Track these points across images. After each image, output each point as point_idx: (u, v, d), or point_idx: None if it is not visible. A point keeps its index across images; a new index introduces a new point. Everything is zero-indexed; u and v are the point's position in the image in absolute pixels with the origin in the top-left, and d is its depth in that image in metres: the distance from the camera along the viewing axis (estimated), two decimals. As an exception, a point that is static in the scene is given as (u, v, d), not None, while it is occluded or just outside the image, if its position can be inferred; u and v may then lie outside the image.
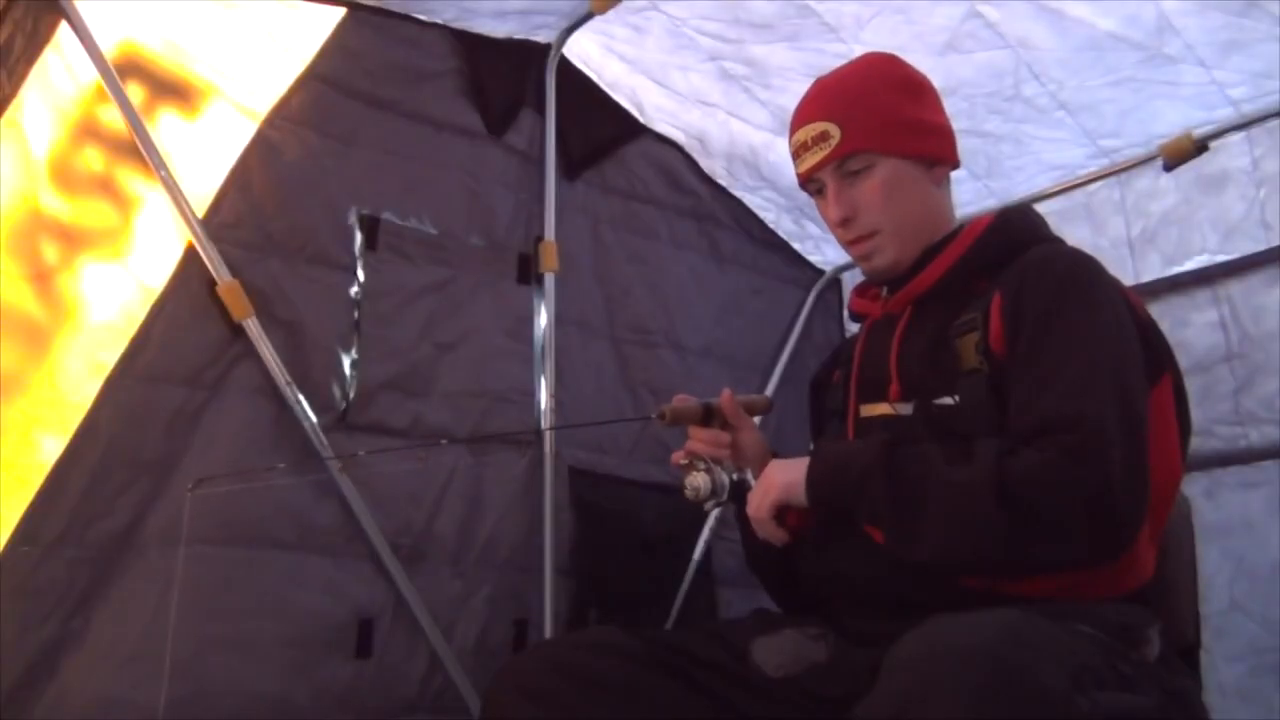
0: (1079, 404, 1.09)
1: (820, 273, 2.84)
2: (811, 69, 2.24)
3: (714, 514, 2.51)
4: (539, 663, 1.24)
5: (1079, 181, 2.31)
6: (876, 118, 1.35)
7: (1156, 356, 1.23)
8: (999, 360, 1.17)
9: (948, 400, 1.20)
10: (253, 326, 1.89)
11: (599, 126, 2.47)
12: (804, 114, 1.39)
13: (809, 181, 1.39)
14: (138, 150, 1.81)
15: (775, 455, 1.37)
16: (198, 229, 1.84)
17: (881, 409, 1.31)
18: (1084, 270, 1.24)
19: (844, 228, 1.36)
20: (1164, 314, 2.17)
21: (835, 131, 1.32)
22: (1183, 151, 2.10)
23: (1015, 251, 1.27)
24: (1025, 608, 0.95)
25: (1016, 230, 1.34)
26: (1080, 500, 1.05)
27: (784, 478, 1.25)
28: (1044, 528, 1.06)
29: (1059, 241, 1.36)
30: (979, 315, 1.21)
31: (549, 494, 2.26)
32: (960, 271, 1.29)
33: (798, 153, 1.38)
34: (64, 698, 1.64)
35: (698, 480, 1.34)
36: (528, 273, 2.33)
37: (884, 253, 1.34)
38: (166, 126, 1.87)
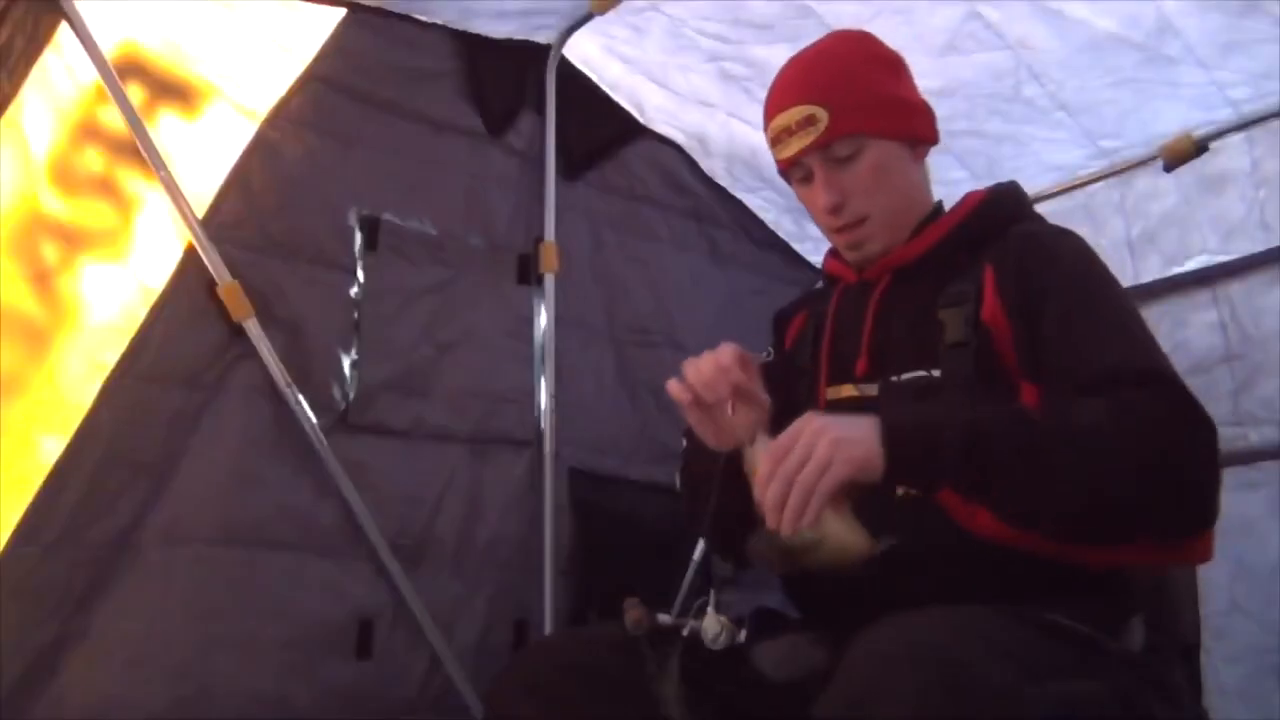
0: (1145, 357, 1.08)
1: (820, 273, 2.84)
2: (811, 69, 2.25)
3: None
4: (542, 659, 1.24)
5: (1079, 182, 2.31)
6: (863, 98, 1.30)
7: None
8: (990, 333, 1.16)
9: (924, 374, 1.19)
10: (253, 327, 1.89)
11: (599, 127, 2.47)
12: (785, 97, 1.32)
13: (794, 167, 1.33)
14: (138, 150, 1.81)
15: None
16: (198, 230, 1.84)
17: (847, 391, 1.28)
18: (1083, 244, 1.25)
19: (834, 214, 1.30)
20: (1164, 314, 2.18)
21: (822, 115, 1.26)
22: (1183, 152, 2.10)
23: (1002, 226, 1.26)
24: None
25: (1006, 206, 1.33)
26: (1195, 441, 0.99)
27: (850, 451, 0.95)
28: (1171, 470, 0.97)
29: (1042, 220, 1.36)
30: (970, 288, 1.19)
31: (549, 494, 2.26)
32: (949, 243, 1.28)
33: (779, 137, 1.31)
34: (64, 698, 1.64)
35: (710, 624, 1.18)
36: (528, 273, 2.34)
37: (875, 240, 1.31)
38: (166, 127, 1.87)
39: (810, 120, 1.27)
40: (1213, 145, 2.08)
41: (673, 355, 2.49)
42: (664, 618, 1.19)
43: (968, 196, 1.33)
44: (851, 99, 1.29)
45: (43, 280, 1.71)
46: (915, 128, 1.35)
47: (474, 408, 2.20)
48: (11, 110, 1.68)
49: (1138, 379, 1.04)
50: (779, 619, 1.27)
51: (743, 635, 1.18)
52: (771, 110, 1.33)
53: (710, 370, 1.16)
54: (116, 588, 1.72)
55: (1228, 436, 2.06)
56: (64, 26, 1.74)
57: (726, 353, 1.16)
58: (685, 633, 1.18)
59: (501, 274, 2.29)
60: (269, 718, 1.83)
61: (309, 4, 2.03)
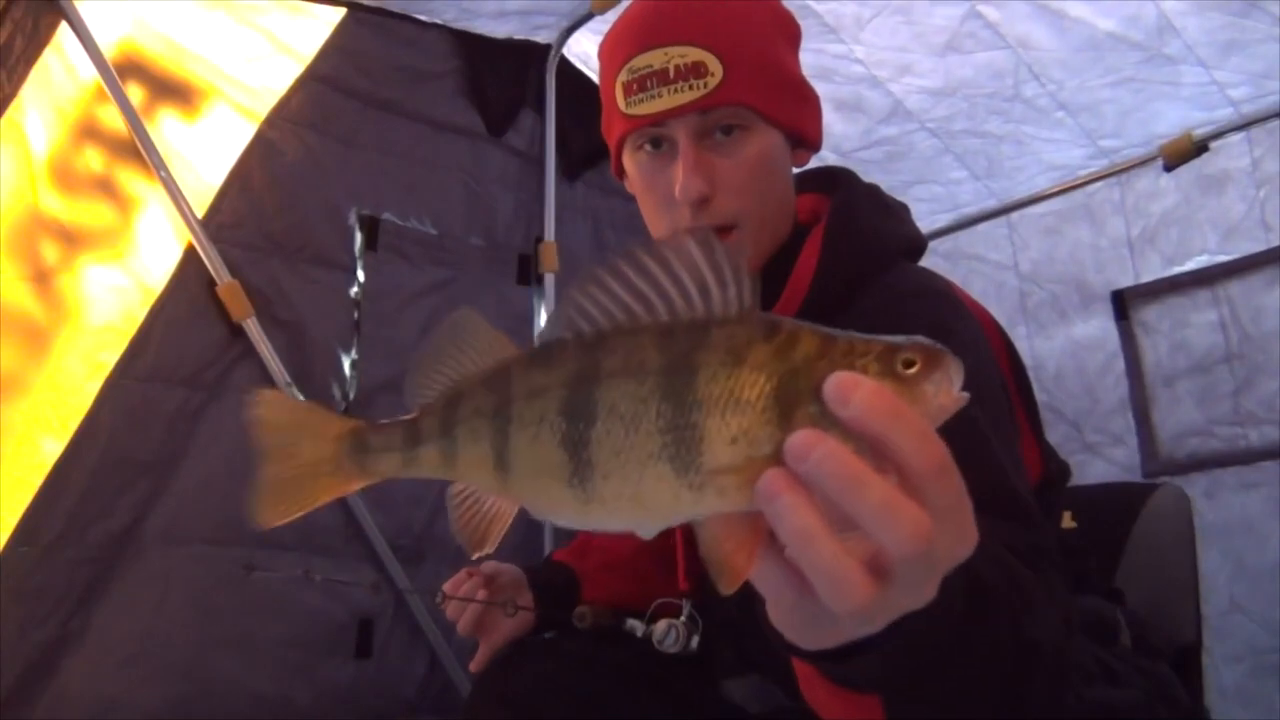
0: (1001, 478, 0.83)
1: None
2: (811, 69, 2.24)
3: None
4: (521, 673, 1.21)
5: (1079, 182, 2.32)
6: (765, 64, 0.99)
7: (1021, 389, 1.04)
8: None
9: None
10: (253, 327, 1.89)
11: (599, 127, 2.47)
12: (662, 29, 0.97)
13: (645, 129, 1.00)
14: (138, 150, 1.81)
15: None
16: (198, 229, 1.84)
17: None
18: (951, 321, 0.93)
19: (696, 211, 0.97)
20: (1164, 314, 2.18)
21: (716, 67, 0.95)
22: (1183, 152, 2.11)
23: (853, 283, 0.97)
24: None
25: (852, 256, 1.01)
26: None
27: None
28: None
29: (901, 262, 1.04)
30: None
31: (549, 494, 2.26)
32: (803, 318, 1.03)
33: (644, 83, 0.97)
34: (64, 698, 1.64)
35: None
36: (528, 273, 2.34)
37: None
38: (166, 126, 1.87)
39: (699, 69, 0.95)
40: (1213, 145, 2.09)
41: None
42: (634, 623, 1.18)
43: (807, 251, 1.02)
44: (752, 57, 0.98)
45: (43, 280, 1.71)
46: (806, 123, 1.06)
47: (474, 408, 2.20)
48: (11, 110, 1.68)
49: (1000, 510, 0.77)
50: (749, 657, 1.19)
51: (695, 641, 1.13)
52: (635, 43, 0.99)
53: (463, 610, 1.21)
54: (116, 588, 1.72)
55: (1227, 436, 2.08)
56: (64, 26, 1.74)
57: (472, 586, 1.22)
58: (640, 634, 1.16)
59: (501, 274, 2.30)
60: (269, 718, 1.83)
61: (309, 4, 2.03)
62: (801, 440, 0.44)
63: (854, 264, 1.00)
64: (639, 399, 0.46)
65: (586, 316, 0.48)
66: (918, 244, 1.09)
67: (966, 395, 0.48)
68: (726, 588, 0.47)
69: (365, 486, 0.56)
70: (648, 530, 0.49)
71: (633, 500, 0.47)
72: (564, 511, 0.49)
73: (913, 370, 0.46)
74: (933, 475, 0.44)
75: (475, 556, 0.55)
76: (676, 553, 1.19)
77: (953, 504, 0.45)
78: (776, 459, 0.45)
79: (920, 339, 0.47)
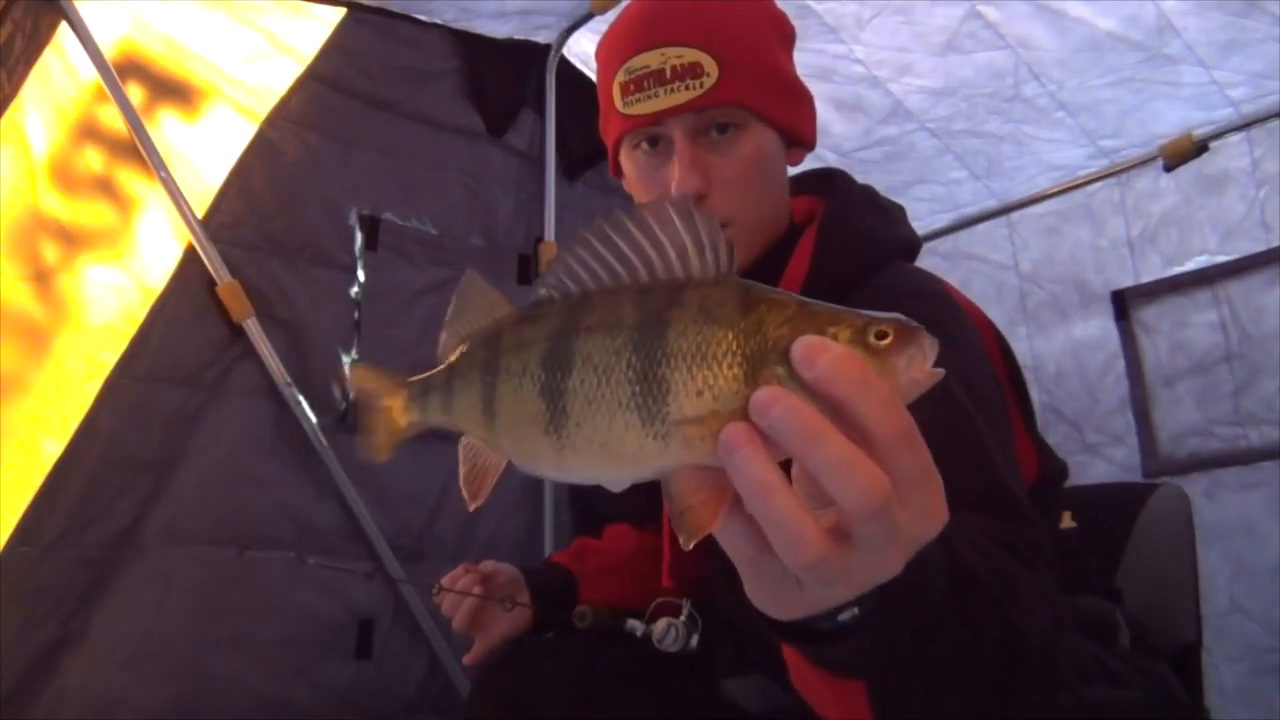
0: (993, 480, 0.83)
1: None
2: (811, 69, 2.25)
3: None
4: (521, 673, 1.21)
5: (1079, 182, 2.32)
6: (760, 64, 1.01)
7: (1016, 388, 1.04)
8: None
9: None
10: (253, 327, 1.89)
11: (598, 126, 2.47)
12: (658, 30, 0.99)
13: (641, 128, 1.02)
14: (138, 150, 1.81)
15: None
16: (197, 229, 1.84)
17: None
18: (946, 321, 0.93)
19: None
20: (1164, 314, 2.18)
21: (712, 67, 0.97)
22: (1183, 152, 2.11)
23: (852, 281, 0.98)
24: None
25: (848, 254, 1.02)
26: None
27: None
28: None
29: (896, 263, 1.04)
30: None
31: (549, 494, 2.26)
32: None
33: (640, 83, 0.99)
34: (64, 698, 1.64)
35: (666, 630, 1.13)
36: (528, 273, 2.34)
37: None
38: (166, 126, 1.87)
39: (695, 70, 0.97)
40: (1213, 145, 2.09)
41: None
42: (633, 623, 1.17)
43: (803, 242, 1.05)
44: (747, 57, 1.00)
45: (43, 280, 1.71)
46: (801, 122, 1.08)
47: (474, 407, 2.20)
48: (11, 110, 1.68)
49: (993, 507, 0.79)
50: (750, 657, 1.17)
51: (695, 640, 1.12)
52: (632, 44, 1.01)
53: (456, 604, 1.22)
54: (116, 588, 1.72)
55: (1227, 436, 2.08)
56: (64, 26, 1.74)
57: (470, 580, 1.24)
58: (639, 634, 1.15)
59: (501, 274, 2.30)
60: (269, 718, 1.83)
61: (309, 4, 2.03)
62: (765, 395, 0.46)
63: (848, 264, 1.01)
64: (612, 351, 0.49)
65: (573, 277, 0.52)
66: (912, 245, 1.10)
67: (941, 371, 0.48)
68: (687, 541, 0.48)
69: (416, 431, 0.63)
70: (620, 481, 0.51)
71: (603, 448, 0.50)
72: (542, 459, 0.52)
73: (885, 342, 0.48)
74: (896, 444, 0.45)
75: (471, 508, 0.59)
76: (663, 548, 1.20)
77: (917, 475, 0.46)
78: (743, 415, 0.47)
79: (897, 315, 0.48)
